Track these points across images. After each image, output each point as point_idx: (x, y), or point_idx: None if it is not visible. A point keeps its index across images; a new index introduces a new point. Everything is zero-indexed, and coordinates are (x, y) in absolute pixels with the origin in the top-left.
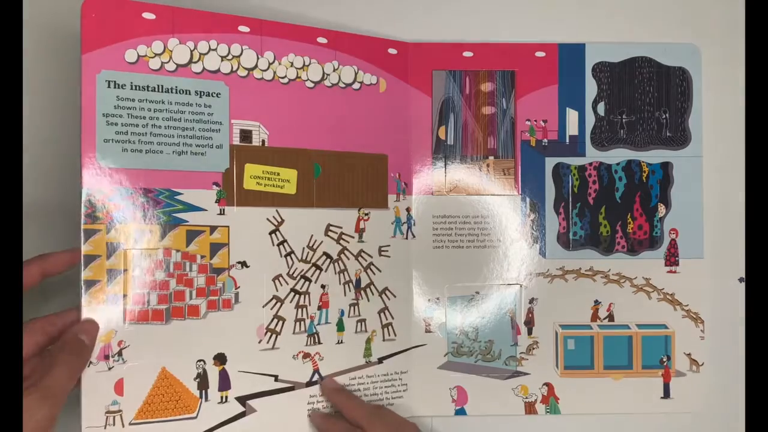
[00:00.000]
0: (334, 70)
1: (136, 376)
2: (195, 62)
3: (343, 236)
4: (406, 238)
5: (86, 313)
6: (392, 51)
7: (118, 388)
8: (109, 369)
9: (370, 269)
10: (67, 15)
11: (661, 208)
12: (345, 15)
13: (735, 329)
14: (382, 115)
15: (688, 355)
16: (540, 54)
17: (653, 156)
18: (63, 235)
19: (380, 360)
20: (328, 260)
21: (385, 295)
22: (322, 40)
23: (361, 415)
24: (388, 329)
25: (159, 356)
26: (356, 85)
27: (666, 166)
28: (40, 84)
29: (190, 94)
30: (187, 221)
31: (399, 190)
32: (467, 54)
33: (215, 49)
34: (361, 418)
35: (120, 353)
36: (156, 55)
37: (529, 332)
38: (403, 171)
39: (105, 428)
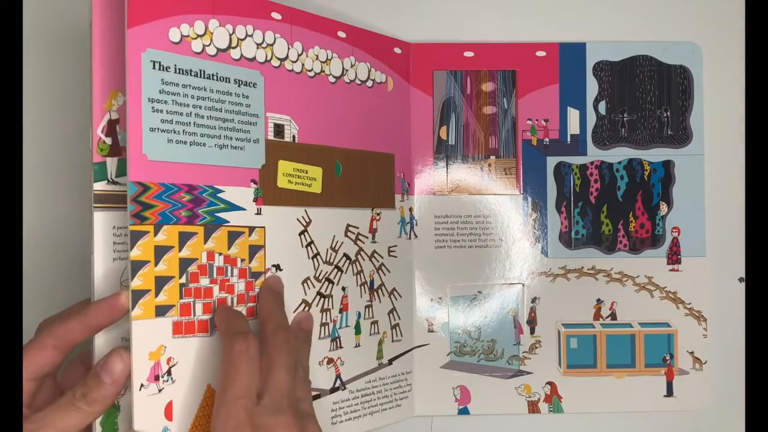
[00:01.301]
0: (352, 66)
1: (184, 397)
2: (233, 48)
3: (360, 237)
4: (409, 238)
5: (135, 329)
6: (397, 50)
7: (168, 412)
8: (159, 391)
9: (382, 270)
10: (67, 14)
11: (663, 207)
12: (345, 16)
13: (737, 327)
14: (390, 114)
15: (691, 353)
16: (541, 53)
17: (655, 154)
18: (63, 236)
19: (390, 361)
20: (348, 262)
21: (393, 295)
22: (341, 34)
23: (268, 328)
24: (396, 330)
25: (205, 372)
26: (369, 83)
27: (667, 165)
28: (40, 83)
29: (229, 82)
30: (229, 222)
31: (403, 190)
32: (468, 54)
33: (251, 35)
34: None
35: (169, 372)
36: (198, 36)
37: (532, 331)
38: (406, 171)
39: None
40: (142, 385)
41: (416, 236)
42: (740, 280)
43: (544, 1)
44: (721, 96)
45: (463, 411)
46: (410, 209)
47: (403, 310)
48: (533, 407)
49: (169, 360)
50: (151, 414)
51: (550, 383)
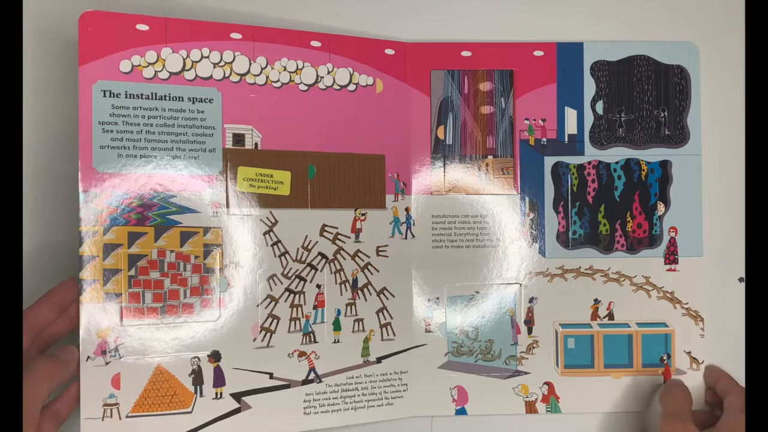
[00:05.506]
0: (329, 73)
1: (133, 372)
2: (188, 70)
3: (339, 236)
4: (405, 238)
5: (84, 312)
6: (389, 51)
7: (115, 382)
8: (107, 364)
9: (368, 269)
10: (67, 24)
11: (661, 207)
12: (343, 17)
13: (735, 327)
14: (380, 116)
15: (688, 353)
16: (538, 53)
17: (652, 154)
18: (62, 237)
19: (379, 360)
20: (324, 260)
21: (384, 294)
22: (315, 43)
23: None
24: (386, 329)
25: (154, 353)
26: (352, 87)
27: (665, 165)
28: (40, 91)
29: (183, 100)
30: (181, 223)
31: (398, 190)
32: (465, 53)
33: (207, 57)
34: None
35: (116, 349)
36: (150, 64)
37: (529, 331)
38: (402, 171)
39: (103, 420)
40: (88, 357)
41: (413, 236)
42: (740, 280)
43: (542, 0)
44: (719, 96)
45: (461, 411)
46: (406, 209)
47: (396, 310)
48: (531, 407)
49: (116, 339)
50: (98, 381)
51: (547, 383)
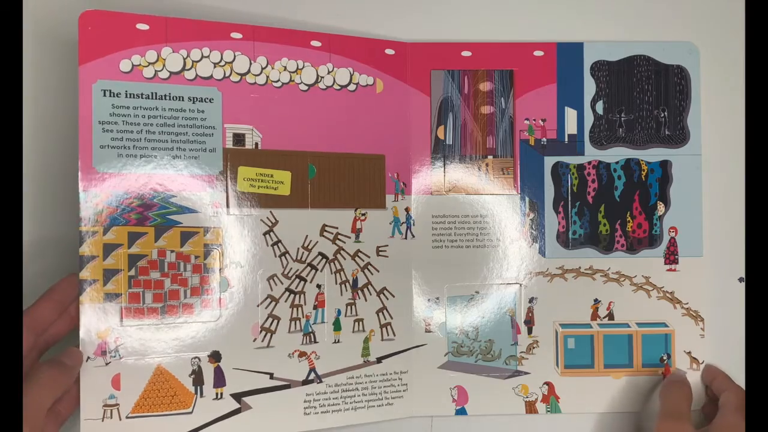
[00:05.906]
0: (329, 73)
1: (133, 372)
2: (188, 69)
3: (339, 236)
4: (405, 238)
5: (84, 312)
6: (389, 51)
7: (115, 382)
8: (107, 364)
9: (368, 269)
10: (67, 24)
11: (661, 207)
12: (342, 17)
13: (735, 327)
14: (380, 116)
15: (688, 353)
16: (538, 53)
17: (652, 154)
18: (62, 236)
19: (379, 360)
20: (324, 260)
21: (384, 294)
22: (315, 43)
23: None
24: (386, 329)
25: (154, 353)
26: (352, 87)
27: (665, 165)
28: (40, 90)
29: (183, 100)
30: (181, 223)
31: (398, 190)
32: (466, 53)
33: (208, 56)
34: None
35: (116, 350)
36: (150, 63)
37: (529, 331)
38: (402, 171)
39: (102, 421)
40: (88, 357)
41: (413, 236)
42: (740, 280)
43: (542, 0)
44: (718, 96)
45: (461, 411)
46: (406, 209)
47: (396, 310)
48: (531, 407)
49: (116, 339)
50: (98, 382)
51: (547, 383)
